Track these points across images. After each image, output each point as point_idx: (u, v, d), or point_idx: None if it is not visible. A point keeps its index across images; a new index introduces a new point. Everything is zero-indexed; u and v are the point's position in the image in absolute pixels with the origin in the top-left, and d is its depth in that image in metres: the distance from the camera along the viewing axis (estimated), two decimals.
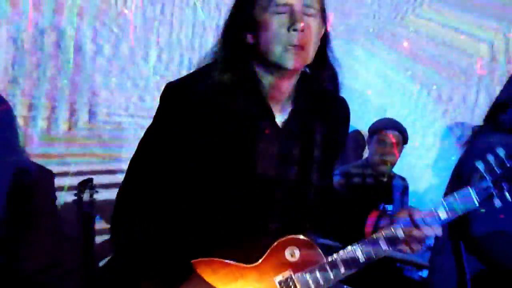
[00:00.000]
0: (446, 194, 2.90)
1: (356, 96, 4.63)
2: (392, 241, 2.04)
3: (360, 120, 4.62)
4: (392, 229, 2.04)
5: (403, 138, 4.48)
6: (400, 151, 4.50)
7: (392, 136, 4.43)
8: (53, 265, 3.43)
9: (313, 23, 1.98)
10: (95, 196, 3.76)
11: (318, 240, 2.11)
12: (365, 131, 4.62)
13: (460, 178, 2.81)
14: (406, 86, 4.96)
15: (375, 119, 4.58)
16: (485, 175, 2.06)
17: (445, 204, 2.06)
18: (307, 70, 2.08)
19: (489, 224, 2.68)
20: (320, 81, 2.07)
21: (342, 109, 2.21)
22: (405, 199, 4.55)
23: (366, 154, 4.69)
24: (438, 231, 2.04)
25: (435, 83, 4.98)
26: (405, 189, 4.59)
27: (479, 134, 2.86)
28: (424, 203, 4.55)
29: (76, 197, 3.71)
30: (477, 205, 2.06)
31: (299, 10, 1.96)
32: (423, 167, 4.95)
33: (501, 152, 2.06)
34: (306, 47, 1.97)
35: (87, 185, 3.74)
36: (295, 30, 1.94)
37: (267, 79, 2.03)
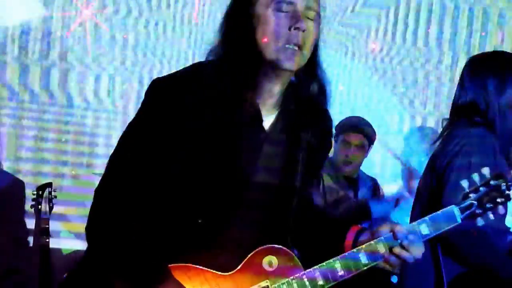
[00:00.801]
0: (418, 189, 2.90)
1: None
2: (373, 256, 2.02)
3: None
4: (373, 244, 2.02)
5: (369, 140, 4.39)
6: (366, 152, 4.41)
7: (355, 139, 4.32)
8: (13, 270, 3.35)
9: (312, 27, 1.98)
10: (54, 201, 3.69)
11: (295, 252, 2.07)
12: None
13: (435, 172, 2.79)
14: (375, 86, 4.92)
15: (344, 117, 4.50)
16: (469, 194, 2.09)
17: (428, 220, 2.06)
18: (293, 79, 2.06)
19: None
20: (306, 89, 2.04)
21: (326, 120, 2.19)
22: (375, 199, 4.47)
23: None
24: (421, 250, 2.03)
25: (404, 83, 4.96)
26: (374, 189, 4.54)
27: (454, 128, 2.83)
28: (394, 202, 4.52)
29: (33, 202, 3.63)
30: (460, 222, 2.09)
31: (301, 10, 1.95)
32: (392, 164, 4.92)
33: (486, 171, 2.10)
34: (304, 49, 1.96)
35: (46, 190, 3.65)
36: (297, 29, 1.92)
37: (259, 82, 2.00)
